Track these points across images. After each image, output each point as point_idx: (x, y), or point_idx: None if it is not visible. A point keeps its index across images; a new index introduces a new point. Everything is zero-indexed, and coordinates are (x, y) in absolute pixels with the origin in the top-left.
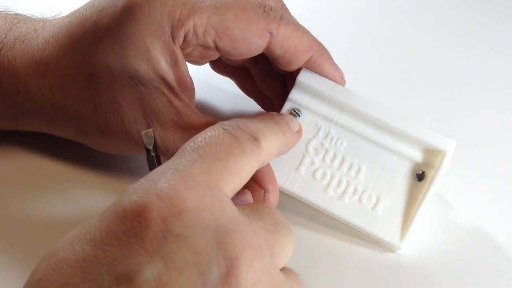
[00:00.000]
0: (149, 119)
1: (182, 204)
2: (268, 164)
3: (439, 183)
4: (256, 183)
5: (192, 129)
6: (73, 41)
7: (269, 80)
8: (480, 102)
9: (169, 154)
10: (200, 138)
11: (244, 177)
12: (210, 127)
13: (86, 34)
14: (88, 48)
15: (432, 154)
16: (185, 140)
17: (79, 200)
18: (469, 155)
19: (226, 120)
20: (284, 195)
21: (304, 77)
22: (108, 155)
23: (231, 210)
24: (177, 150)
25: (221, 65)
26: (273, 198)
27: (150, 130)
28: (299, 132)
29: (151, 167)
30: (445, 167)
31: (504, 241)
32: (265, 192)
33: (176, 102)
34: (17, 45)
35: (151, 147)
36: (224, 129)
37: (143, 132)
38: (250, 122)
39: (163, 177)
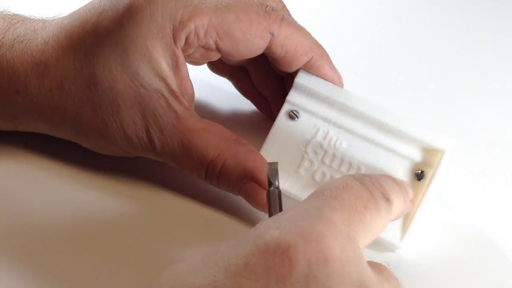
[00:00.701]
0: (148, 122)
1: (328, 251)
2: (261, 157)
3: (439, 182)
4: (257, 185)
5: (191, 133)
6: (74, 43)
7: (267, 81)
8: (481, 102)
9: (167, 157)
10: (338, 185)
11: (375, 235)
12: (345, 177)
13: (86, 36)
14: (88, 50)
15: (430, 154)
16: (183, 143)
17: (78, 201)
18: (469, 155)
19: (356, 174)
20: (284, 197)
21: (302, 79)
22: (107, 156)
23: (367, 267)
24: (175, 153)
25: (219, 65)
26: None
27: (276, 162)
28: (412, 201)
29: (272, 201)
30: (444, 166)
31: (504, 241)
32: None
33: (175, 105)
34: (16, 46)
35: (275, 181)
36: (360, 182)
37: (268, 163)
38: (382, 180)
39: (305, 219)
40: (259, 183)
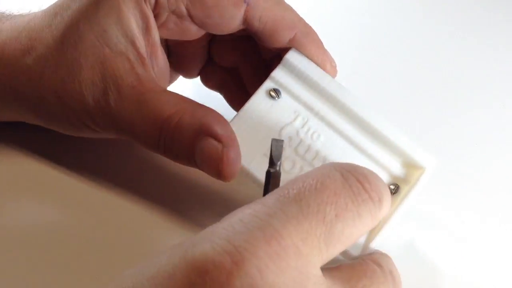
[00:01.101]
0: (107, 83)
1: (257, 275)
2: (221, 116)
3: (413, 201)
4: (211, 138)
5: (150, 93)
6: (55, 10)
7: (260, 81)
8: (481, 102)
9: (122, 123)
10: (311, 183)
11: (348, 244)
12: (326, 169)
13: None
14: (64, 12)
15: (410, 169)
16: (140, 103)
17: (76, 203)
18: (469, 155)
19: (345, 165)
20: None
21: (292, 57)
22: (105, 160)
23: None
24: (131, 116)
25: (211, 74)
26: (233, 153)
27: (282, 140)
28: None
29: (267, 183)
30: (421, 185)
31: (503, 241)
32: (223, 147)
33: (139, 70)
34: (7, 22)
35: (278, 161)
36: (344, 177)
37: (273, 139)
38: (376, 178)
39: (246, 232)
40: (216, 138)
